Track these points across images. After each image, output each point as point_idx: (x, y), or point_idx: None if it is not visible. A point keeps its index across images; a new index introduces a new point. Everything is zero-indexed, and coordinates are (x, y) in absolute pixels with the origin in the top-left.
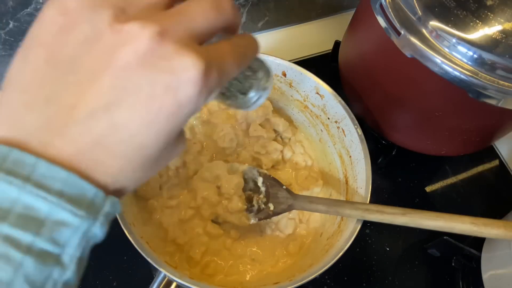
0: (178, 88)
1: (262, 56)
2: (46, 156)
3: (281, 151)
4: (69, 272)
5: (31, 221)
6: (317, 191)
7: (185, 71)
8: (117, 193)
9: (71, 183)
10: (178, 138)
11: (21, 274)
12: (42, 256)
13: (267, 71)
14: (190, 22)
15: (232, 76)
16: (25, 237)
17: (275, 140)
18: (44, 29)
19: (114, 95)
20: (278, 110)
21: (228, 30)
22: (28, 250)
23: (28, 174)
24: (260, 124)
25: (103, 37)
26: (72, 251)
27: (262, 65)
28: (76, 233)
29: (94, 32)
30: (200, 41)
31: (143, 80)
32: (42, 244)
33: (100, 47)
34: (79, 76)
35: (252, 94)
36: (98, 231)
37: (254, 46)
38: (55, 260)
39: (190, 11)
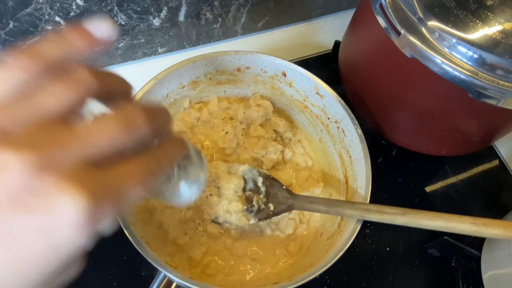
0: (54, 231)
1: (192, 147)
2: None
3: (282, 152)
4: None
5: None
6: (317, 192)
7: (62, 212)
8: None
9: None
10: (68, 268)
11: None
12: None
13: (200, 162)
14: (87, 147)
15: (139, 196)
16: None
17: (275, 140)
18: None
19: None
20: (278, 110)
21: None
22: None
23: None
24: (260, 125)
25: None
26: None
27: (194, 155)
28: None
29: None
30: (99, 164)
31: (11, 221)
32: None
33: None
34: None
35: (182, 189)
36: None
37: (176, 151)
38: None
39: (90, 133)
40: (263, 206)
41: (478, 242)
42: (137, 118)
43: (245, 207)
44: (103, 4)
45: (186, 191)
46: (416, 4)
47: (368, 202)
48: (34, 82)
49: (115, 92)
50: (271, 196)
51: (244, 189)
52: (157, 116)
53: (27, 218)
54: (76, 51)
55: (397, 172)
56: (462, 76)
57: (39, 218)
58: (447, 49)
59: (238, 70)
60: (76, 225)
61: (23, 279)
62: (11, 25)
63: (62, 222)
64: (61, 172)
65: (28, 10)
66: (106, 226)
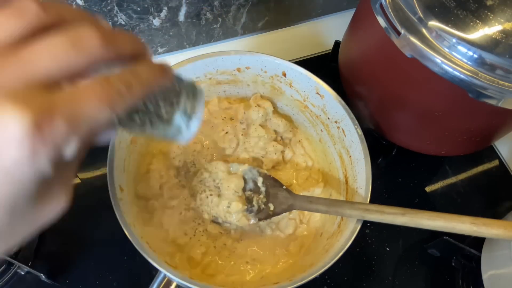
0: (0, 153)
1: (184, 76)
2: None
3: (282, 152)
4: None
5: None
6: (317, 192)
7: (5, 130)
8: None
9: None
10: (39, 198)
11: None
12: None
13: (192, 91)
14: (29, 67)
15: (104, 119)
16: None
17: (275, 140)
18: None
19: None
20: (278, 111)
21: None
22: None
23: None
24: (260, 125)
25: None
26: None
27: (186, 87)
28: None
29: None
30: (50, 87)
31: None
32: None
33: None
34: None
35: (177, 122)
36: None
37: (150, 76)
38: None
39: (34, 53)
40: (263, 206)
41: (478, 242)
42: (86, 36)
43: (245, 207)
44: (103, 4)
45: (180, 126)
46: (416, 4)
47: (368, 202)
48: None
49: (70, 21)
50: (271, 196)
51: (244, 189)
52: (120, 39)
53: None
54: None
55: (397, 172)
56: (462, 76)
57: None
58: (447, 49)
59: (238, 70)
60: (22, 141)
61: None
62: None
63: (7, 141)
64: (2, 90)
65: None
66: (69, 150)
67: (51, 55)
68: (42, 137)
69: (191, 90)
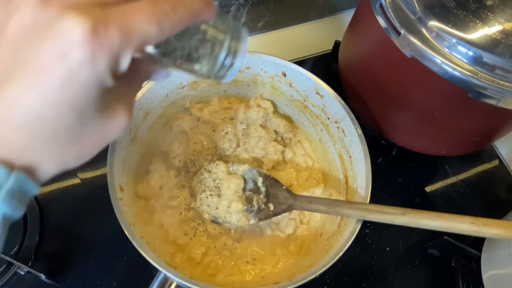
0: (66, 55)
1: (228, 17)
2: None
3: (282, 152)
4: None
5: None
6: (318, 192)
7: (68, 34)
8: (29, 170)
9: None
10: (104, 111)
11: None
12: None
13: (237, 31)
14: None
15: (152, 37)
16: None
17: (275, 140)
18: None
19: (3, 69)
20: (278, 111)
21: None
22: None
23: None
24: (260, 125)
25: None
26: None
27: (230, 24)
28: None
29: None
30: (106, 4)
31: (29, 51)
32: None
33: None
34: None
35: (220, 60)
36: (5, 208)
37: (197, 5)
38: None
39: None
40: (263, 206)
41: (478, 242)
42: None
43: (245, 207)
44: None
45: (225, 63)
46: (416, 4)
47: (368, 202)
48: None
49: None
50: (271, 196)
51: (244, 189)
52: None
53: (42, 45)
54: None
55: (397, 172)
56: (462, 76)
57: (50, 44)
58: (447, 49)
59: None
60: (83, 45)
61: (53, 105)
62: None
63: (71, 44)
64: (62, 4)
65: None
66: (124, 60)
67: None
68: (99, 41)
69: (236, 29)
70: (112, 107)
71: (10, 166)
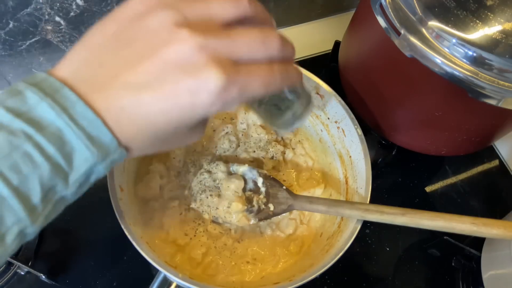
0: (197, 93)
1: (308, 87)
2: (85, 100)
3: (282, 152)
4: (69, 191)
5: (58, 141)
6: (318, 193)
7: (206, 82)
8: (126, 149)
9: (94, 125)
10: (191, 130)
11: (37, 173)
12: (56, 168)
13: (308, 101)
14: (234, 48)
15: (257, 95)
16: (50, 149)
17: (276, 141)
18: (124, 10)
19: (147, 79)
20: None
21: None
22: (48, 158)
23: (68, 107)
24: (261, 125)
25: (161, 32)
26: (77, 176)
27: (305, 94)
28: (85, 163)
29: (157, 26)
30: (237, 62)
31: (172, 76)
32: (59, 159)
33: (156, 39)
34: (131, 54)
35: (287, 117)
36: (102, 170)
37: (293, 76)
38: (64, 176)
39: (239, 39)
40: (263, 206)
41: (478, 242)
42: (273, 39)
43: (245, 207)
44: (103, 4)
45: (289, 120)
46: (416, 4)
47: (368, 202)
48: None
49: (256, 19)
50: (271, 196)
51: (244, 190)
52: (288, 45)
53: (184, 78)
54: None
55: (397, 172)
56: (462, 76)
57: (190, 81)
58: (447, 49)
59: None
60: (212, 95)
61: (166, 119)
62: (11, 25)
63: (205, 88)
64: (212, 55)
65: (28, 10)
66: (229, 106)
67: (247, 43)
68: (223, 95)
69: (307, 99)
70: (196, 127)
71: (119, 143)
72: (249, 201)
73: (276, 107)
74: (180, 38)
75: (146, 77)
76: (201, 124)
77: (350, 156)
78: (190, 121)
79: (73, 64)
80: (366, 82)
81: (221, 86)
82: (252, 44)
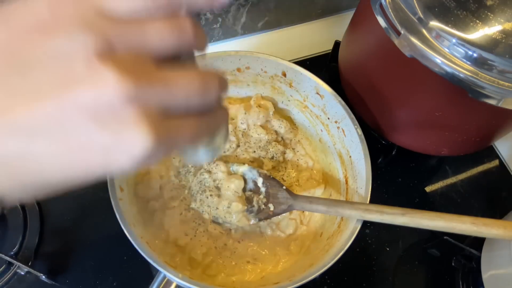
0: (114, 154)
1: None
2: None
3: (283, 153)
4: None
5: None
6: (318, 193)
7: (130, 143)
8: None
9: None
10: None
11: None
12: None
13: (226, 131)
14: (169, 97)
15: (186, 145)
16: None
17: (276, 141)
18: (22, 12)
19: (47, 125)
20: (278, 111)
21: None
22: None
23: None
24: (261, 126)
25: (76, 62)
26: None
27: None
28: None
29: (70, 52)
30: (167, 114)
31: (84, 127)
32: None
33: (66, 70)
34: (26, 84)
35: (202, 152)
36: None
37: (221, 120)
38: None
39: (176, 86)
40: (263, 206)
41: (478, 242)
42: (213, 84)
43: (245, 207)
44: None
45: (204, 155)
46: (416, 4)
47: (368, 202)
48: (152, 12)
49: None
50: (271, 196)
51: (244, 190)
52: (224, 84)
53: (99, 133)
54: (193, 2)
55: (397, 172)
56: (462, 76)
57: (108, 137)
58: (447, 49)
59: (238, 70)
60: (134, 157)
61: (64, 178)
62: None
63: (125, 151)
64: (142, 108)
65: None
66: (148, 165)
67: (185, 90)
68: (147, 158)
69: (226, 130)
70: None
71: None
72: (249, 201)
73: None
74: (103, 79)
75: (45, 121)
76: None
77: (350, 156)
78: (96, 179)
79: None
80: (366, 82)
81: (148, 148)
82: (191, 92)
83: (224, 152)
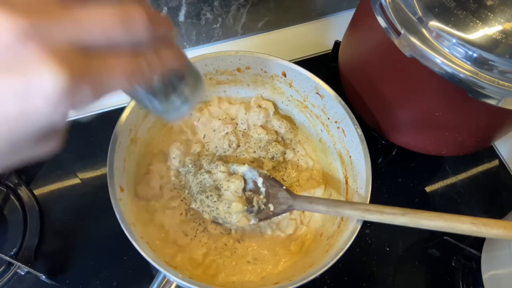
0: (27, 97)
1: (193, 63)
2: None
3: (282, 153)
4: None
5: None
6: (319, 194)
7: (40, 82)
8: None
9: None
10: (38, 141)
11: None
12: None
13: (197, 80)
14: (79, 30)
15: (121, 88)
16: None
17: (276, 141)
18: None
19: None
20: (278, 111)
21: (144, 44)
22: None
23: None
24: (261, 126)
25: None
26: None
27: (193, 73)
28: None
29: None
30: (87, 52)
31: None
32: None
33: None
34: None
35: (172, 101)
36: None
37: (170, 62)
38: None
39: (86, 18)
40: (263, 206)
41: (478, 242)
42: (137, 17)
43: (245, 207)
44: None
45: (176, 107)
46: (416, 4)
47: (368, 202)
48: None
49: None
50: (271, 196)
51: (244, 190)
52: (159, 22)
53: (6, 78)
54: None
55: (397, 172)
56: (462, 76)
57: (15, 81)
58: (447, 49)
59: (238, 70)
60: (50, 98)
61: None
62: None
63: (38, 92)
64: (47, 44)
65: None
66: (80, 106)
67: (101, 25)
68: (68, 98)
69: (195, 78)
70: (46, 137)
71: None
72: (249, 201)
73: (156, 91)
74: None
75: None
76: (53, 133)
77: (350, 156)
78: (26, 132)
79: None
80: (366, 82)
81: (63, 86)
82: (107, 25)
83: (225, 152)
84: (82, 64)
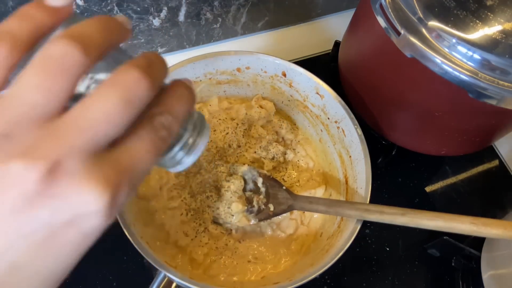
0: (82, 221)
1: (195, 110)
2: None
3: (283, 153)
4: None
5: None
6: (319, 194)
7: (86, 207)
8: None
9: None
10: None
11: None
12: None
13: (202, 125)
14: (88, 134)
15: (151, 167)
16: None
17: (276, 141)
18: None
19: (6, 244)
20: (278, 111)
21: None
22: None
23: None
24: (262, 126)
25: None
26: None
27: (196, 118)
28: None
29: None
30: (107, 145)
31: (35, 222)
32: None
33: None
34: None
35: (176, 152)
36: None
37: (182, 112)
38: None
39: (87, 118)
40: (263, 206)
41: (478, 242)
42: (135, 85)
43: (245, 207)
44: (103, 4)
45: (176, 158)
46: (416, 4)
47: (368, 202)
48: (9, 67)
49: (110, 47)
50: (271, 196)
51: (244, 190)
52: (155, 69)
53: (53, 215)
54: (44, 24)
55: (397, 172)
56: (462, 76)
57: (64, 215)
58: (447, 49)
59: (238, 70)
60: (102, 214)
61: (59, 264)
62: None
63: (90, 214)
64: (72, 171)
65: None
66: (126, 200)
67: (106, 116)
68: (115, 205)
69: (199, 124)
70: None
71: None
72: (249, 201)
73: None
74: (14, 174)
75: (3, 242)
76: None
77: (350, 156)
78: (88, 246)
79: None
80: (366, 82)
81: (108, 201)
82: (111, 113)
83: (225, 152)
84: (112, 168)
